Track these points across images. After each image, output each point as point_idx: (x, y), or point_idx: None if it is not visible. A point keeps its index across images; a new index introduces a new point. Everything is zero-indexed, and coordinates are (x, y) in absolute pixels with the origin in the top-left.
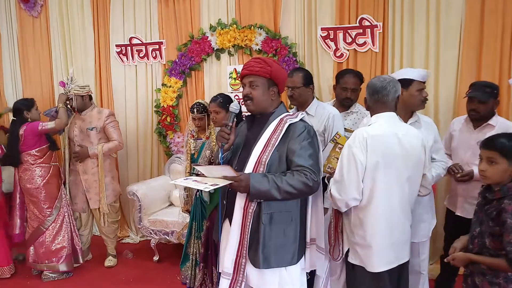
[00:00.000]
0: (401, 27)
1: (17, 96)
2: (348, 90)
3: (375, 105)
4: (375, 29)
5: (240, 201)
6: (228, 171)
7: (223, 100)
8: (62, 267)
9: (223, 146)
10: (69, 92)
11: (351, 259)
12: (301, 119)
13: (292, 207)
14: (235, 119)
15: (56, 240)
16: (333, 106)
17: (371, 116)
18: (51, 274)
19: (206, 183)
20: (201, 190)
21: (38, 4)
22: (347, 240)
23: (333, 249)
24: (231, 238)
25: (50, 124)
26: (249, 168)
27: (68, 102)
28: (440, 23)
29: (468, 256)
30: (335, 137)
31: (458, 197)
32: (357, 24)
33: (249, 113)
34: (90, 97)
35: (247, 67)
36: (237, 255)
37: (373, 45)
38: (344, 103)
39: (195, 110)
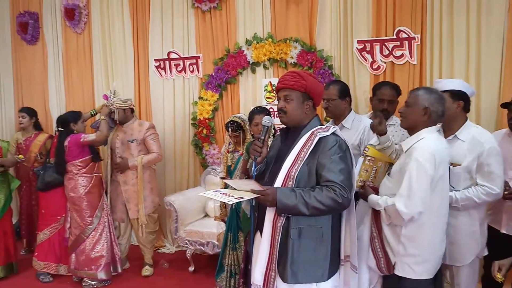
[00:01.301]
0: (439, 38)
1: (61, 108)
2: (385, 102)
3: (429, 122)
4: (412, 41)
5: (269, 214)
6: (254, 185)
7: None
8: (101, 275)
9: (256, 159)
10: (111, 105)
11: (399, 272)
12: (333, 133)
13: (323, 223)
14: (268, 133)
15: (95, 248)
16: (370, 118)
17: (412, 130)
18: (90, 282)
19: (232, 196)
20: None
21: (82, 21)
22: (392, 253)
23: (385, 263)
24: (261, 250)
25: (91, 136)
26: (278, 182)
27: (110, 114)
28: (481, 34)
29: None
30: (364, 151)
31: (503, 214)
32: (394, 37)
33: (283, 126)
34: (132, 110)
35: (282, 81)
36: (266, 268)
37: (411, 58)
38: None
39: (229, 129)
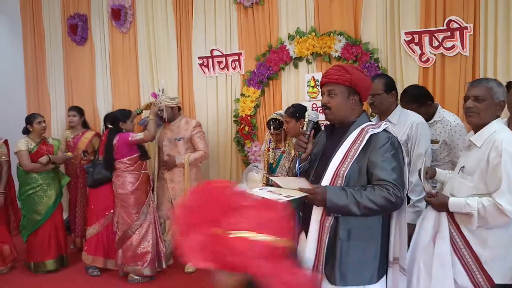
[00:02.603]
0: (494, 28)
1: (107, 106)
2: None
3: (498, 110)
4: (465, 31)
5: (316, 214)
6: (303, 183)
7: (293, 110)
8: (146, 271)
9: (301, 156)
10: (160, 103)
11: (498, 279)
12: (384, 129)
13: (373, 223)
14: (314, 128)
15: (141, 244)
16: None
17: (483, 125)
18: (135, 277)
19: (280, 194)
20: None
21: (127, 21)
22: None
23: (483, 275)
24: (307, 251)
25: (139, 135)
26: (326, 180)
27: (159, 113)
28: None
29: None
30: None
31: None
32: (445, 27)
33: (328, 122)
34: (179, 108)
35: (326, 75)
36: (313, 269)
37: (463, 49)
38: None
39: (271, 127)
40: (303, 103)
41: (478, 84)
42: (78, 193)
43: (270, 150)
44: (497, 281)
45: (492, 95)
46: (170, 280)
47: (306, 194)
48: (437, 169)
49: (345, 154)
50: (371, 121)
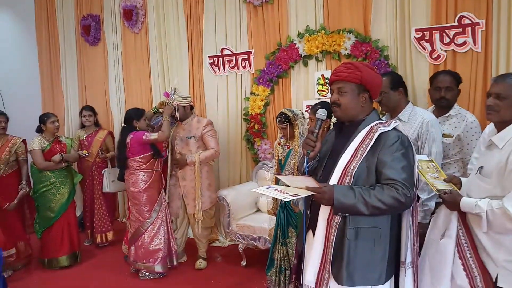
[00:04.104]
0: (508, 23)
1: (120, 106)
2: (442, 89)
3: None
4: (477, 27)
5: (323, 213)
6: (310, 182)
7: (319, 108)
8: (158, 268)
9: (309, 154)
10: (172, 102)
11: (504, 284)
12: (394, 128)
13: (382, 223)
14: (323, 127)
15: (153, 242)
16: (432, 112)
17: (504, 124)
18: (147, 273)
19: (287, 193)
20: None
21: (139, 21)
22: (494, 264)
23: (483, 280)
24: (314, 250)
25: (154, 136)
26: (334, 179)
27: (172, 112)
28: None
29: None
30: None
31: None
32: (456, 23)
33: (338, 120)
34: (191, 107)
35: (336, 73)
36: (319, 269)
37: (475, 45)
38: (439, 104)
39: (278, 120)
40: (313, 102)
41: (501, 80)
42: (94, 190)
43: (280, 147)
44: (505, 285)
45: None
46: (181, 277)
47: (313, 193)
48: (462, 178)
49: (353, 153)
50: (381, 119)
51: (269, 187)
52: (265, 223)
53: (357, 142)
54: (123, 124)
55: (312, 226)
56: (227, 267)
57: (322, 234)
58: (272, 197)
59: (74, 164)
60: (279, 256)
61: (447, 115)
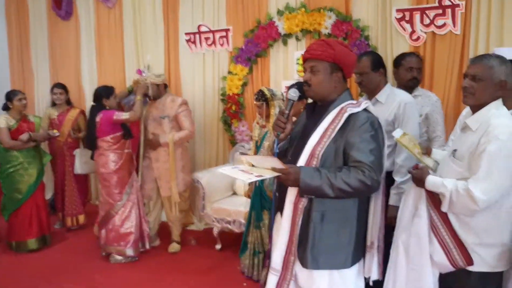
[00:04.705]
0: (488, 5)
1: (93, 83)
2: (414, 70)
3: (497, 91)
4: (456, 8)
5: (290, 196)
6: (276, 162)
7: (297, 88)
8: (129, 252)
9: (279, 136)
10: (145, 80)
11: (472, 266)
12: (364, 109)
13: (348, 206)
14: (300, 107)
15: (124, 225)
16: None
17: (479, 106)
18: (118, 257)
19: (252, 174)
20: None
21: None
22: (466, 245)
23: (460, 253)
24: (281, 233)
25: (125, 115)
26: (302, 161)
27: (145, 91)
28: None
29: None
30: (396, 137)
31: None
32: (436, 4)
33: (311, 100)
34: (165, 86)
35: (309, 50)
36: (286, 252)
37: (454, 27)
38: (409, 85)
39: (255, 97)
40: (291, 82)
41: (478, 61)
42: (65, 172)
43: (258, 127)
44: (473, 267)
45: (492, 74)
46: (153, 260)
47: (278, 174)
48: (433, 148)
49: (322, 134)
50: (352, 100)
51: (235, 167)
52: (241, 206)
53: (326, 123)
54: (92, 103)
55: (281, 208)
56: (201, 250)
57: (289, 216)
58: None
59: (44, 144)
60: (253, 239)
61: (413, 95)
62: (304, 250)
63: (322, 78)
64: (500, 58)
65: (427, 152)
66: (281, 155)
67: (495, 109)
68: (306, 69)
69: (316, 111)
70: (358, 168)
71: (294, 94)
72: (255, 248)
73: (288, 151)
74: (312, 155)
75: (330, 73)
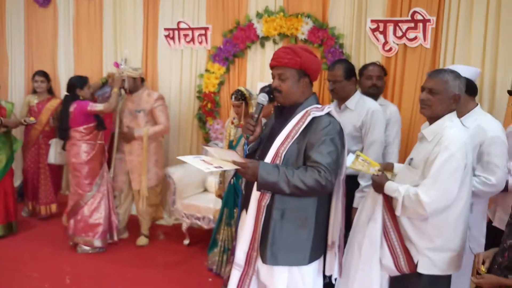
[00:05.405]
0: (456, 22)
1: (69, 73)
2: (373, 78)
3: (451, 104)
4: (427, 23)
5: (255, 193)
6: (236, 156)
7: (269, 90)
8: (97, 243)
9: (248, 138)
10: (122, 73)
11: (423, 269)
12: (327, 113)
13: (308, 205)
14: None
15: (93, 216)
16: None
17: (435, 118)
18: (85, 247)
19: (211, 164)
20: (235, 177)
21: None
22: (415, 250)
23: (406, 261)
24: (245, 230)
25: (99, 107)
26: (267, 160)
27: (122, 83)
28: (501, 19)
29: (498, 280)
30: (356, 153)
31: (497, 206)
32: (409, 18)
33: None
34: (142, 80)
35: (276, 58)
36: (249, 248)
37: (424, 41)
38: (370, 91)
39: (233, 97)
40: (267, 83)
41: (435, 76)
42: (40, 160)
43: (233, 126)
44: (424, 271)
45: (447, 88)
46: (120, 252)
47: (237, 167)
48: (394, 164)
49: (287, 135)
50: (318, 104)
51: (196, 157)
52: (211, 203)
53: (291, 125)
54: (65, 93)
55: (246, 205)
56: (169, 245)
57: (253, 213)
58: (219, 179)
59: (20, 131)
60: (223, 237)
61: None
62: (265, 246)
63: (291, 85)
64: (455, 73)
65: (388, 167)
66: (251, 156)
67: (449, 121)
68: (275, 75)
69: (283, 113)
70: (315, 168)
71: (263, 98)
72: (225, 246)
73: (256, 151)
74: (276, 155)
75: (298, 79)
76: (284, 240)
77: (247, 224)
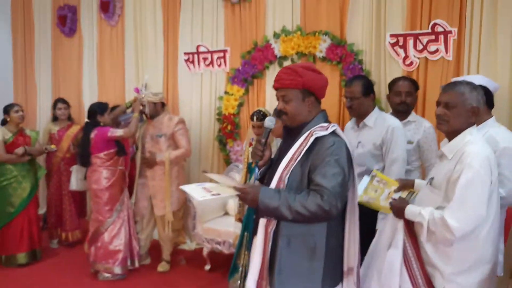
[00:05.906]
0: (479, 32)
1: (93, 99)
2: (402, 94)
3: (470, 117)
4: (449, 35)
5: (263, 219)
6: (236, 182)
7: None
8: (117, 270)
9: (257, 163)
10: (142, 98)
11: None
12: (332, 132)
13: (316, 231)
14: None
15: (113, 242)
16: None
17: (454, 133)
18: (106, 275)
19: (210, 192)
20: None
21: (116, 13)
22: (441, 276)
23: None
24: (254, 256)
25: (119, 132)
26: (273, 185)
27: (141, 108)
28: None
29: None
30: (372, 173)
31: None
32: (429, 30)
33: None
34: (163, 104)
35: (278, 80)
36: (259, 276)
37: (446, 53)
38: (399, 109)
39: (254, 117)
40: None
41: (449, 89)
42: (63, 187)
43: (251, 149)
44: None
45: (463, 101)
46: (141, 279)
47: (237, 193)
48: (416, 180)
49: (290, 158)
50: (324, 123)
51: (198, 185)
52: (231, 226)
53: (295, 147)
54: (86, 120)
55: (256, 231)
56: (190, 271)
57: (261, 240)
58: (239, 204)
59: (42, 158)
60: (244, 262)
61: (406, 121)
62: (273, 275)
63: (296, 106)
64: (471, 85)
65: (408, 184)
66: (261, 181)
67: (469, 136)
68: (279, 97)
69: (291, 134)
70: (318, 192)
71: (270, 122)
72: (246, 271)
73: (266, 175)
74: (280, 179)
75: (302, 99)
76: (293, 268)
77: (256, 251)
